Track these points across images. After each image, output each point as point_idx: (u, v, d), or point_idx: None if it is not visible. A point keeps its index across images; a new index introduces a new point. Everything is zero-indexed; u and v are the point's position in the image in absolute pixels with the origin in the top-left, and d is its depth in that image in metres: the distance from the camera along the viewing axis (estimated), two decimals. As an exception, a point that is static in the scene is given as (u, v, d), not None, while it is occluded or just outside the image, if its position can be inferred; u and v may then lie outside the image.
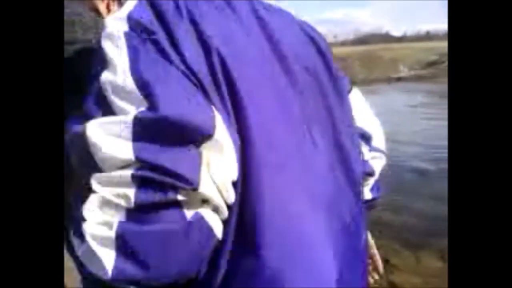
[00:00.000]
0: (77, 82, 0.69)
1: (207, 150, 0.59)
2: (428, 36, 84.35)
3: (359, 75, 22.26)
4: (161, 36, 0.61)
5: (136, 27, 0.62)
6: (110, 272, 0.54)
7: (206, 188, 0.58)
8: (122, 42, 0.60)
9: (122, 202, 0.55)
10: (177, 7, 0.65)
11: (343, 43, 76.42)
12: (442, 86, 18.99)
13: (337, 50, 28.85)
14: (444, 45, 32.97)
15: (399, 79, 21.88)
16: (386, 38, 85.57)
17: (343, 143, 0.83)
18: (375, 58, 28.25)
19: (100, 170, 0.57)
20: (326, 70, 0.85)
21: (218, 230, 0.62)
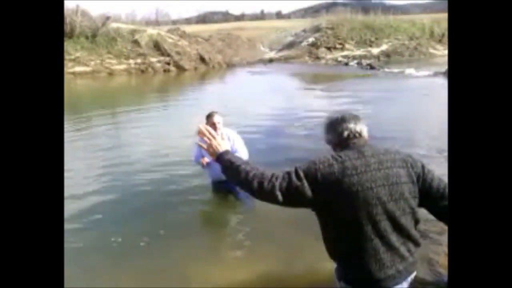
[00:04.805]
0: None
1: None
2: (263, 15, 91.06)
3: (234, 57, 23.21)
4: None
5: None
6: None
7: None
8: None
9: None
10: None
11: (188, 21, 76.20)
12: (312, 66, 21.47)
13: (189, 29, 28.73)
14: (289, 24, 36.30)
15: (270, 60, 23.63)
16: (227, 16, 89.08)
17: None
18: (234, 38, 29.06)
19: None
20: None
21: None
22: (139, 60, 19.85)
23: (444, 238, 3.46)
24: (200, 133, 1.85)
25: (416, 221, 1.76)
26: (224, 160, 1.78)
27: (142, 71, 19.67)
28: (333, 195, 1.64)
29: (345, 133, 1.79)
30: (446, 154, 5.89)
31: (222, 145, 1.83)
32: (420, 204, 1.76)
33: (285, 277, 3.18)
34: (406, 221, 1.71)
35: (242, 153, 4.56)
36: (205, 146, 1.85)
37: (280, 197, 1.63)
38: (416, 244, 1.76)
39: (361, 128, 1.81)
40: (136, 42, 20.36)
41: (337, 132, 1.81)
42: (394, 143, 6.09)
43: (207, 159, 4.52)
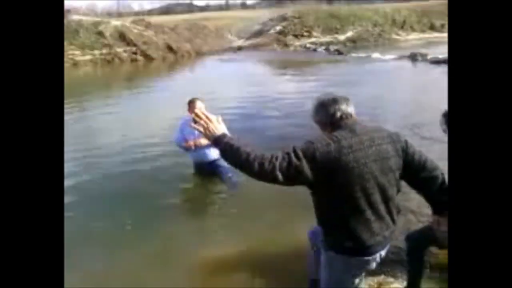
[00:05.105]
0: None
1: None
2: (228, 6, 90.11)
3: (203, 47, 22.91)
4: None
5: None
6: None
7: None
8: None
9: None
10: None
11: (151, 12, 74.19)
12: (281, 53, 21.55)
13: (153, 20, 28.02)
14: (255, 14, 36.32)
15: (240, 48, 23.52)
16: (190, 7, 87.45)
17: None
18: (201, 27, 28.61)
19: None
20: None
21: None
22: (104, 51, 19.24)
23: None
24: (197, 116, 1.84)
25: (398, 191, 1.91)
26: (222, 143, 1.78)
27: (108, 62, 19.10)
28: (331, 173, 1.72)
29: (338, 114, 1.86)
30: (417, 130, 6.17)
31: (219, 128, 1.83)
32: (402, 176, 1.90)
33: (269, 247, 3.30)
34: (392, 192, 1.86)
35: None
36: (201, 129, 1.83)
37: (280, 176, 1.66)
38: (398, 212, 1.93)
39: (351, 109, 1.90)
40: (100, 34, 19.70)
41: (329, 113, 1.87)
42: (370, 122, 6.28)
43: (191, 142, 4.50)
